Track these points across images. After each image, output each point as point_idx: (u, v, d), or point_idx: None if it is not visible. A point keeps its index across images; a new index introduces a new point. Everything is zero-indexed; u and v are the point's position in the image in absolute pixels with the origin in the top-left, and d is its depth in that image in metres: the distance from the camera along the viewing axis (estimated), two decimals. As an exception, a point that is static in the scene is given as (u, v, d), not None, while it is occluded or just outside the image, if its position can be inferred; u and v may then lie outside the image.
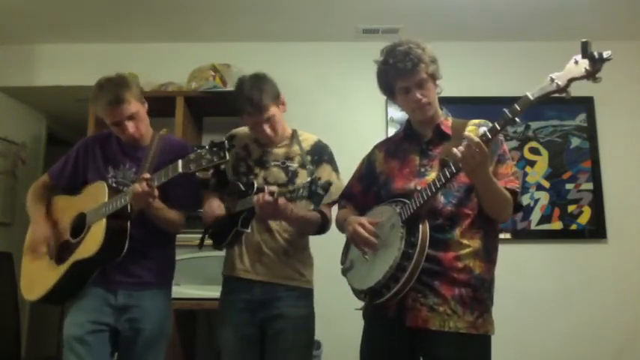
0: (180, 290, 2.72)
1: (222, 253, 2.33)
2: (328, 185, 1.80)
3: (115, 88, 1.88)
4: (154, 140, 2.02)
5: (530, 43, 3.49)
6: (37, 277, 1.95)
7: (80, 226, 1.89)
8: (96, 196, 1.88)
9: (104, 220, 1.80)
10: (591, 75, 1.29)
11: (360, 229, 1.67)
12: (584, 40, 1.29)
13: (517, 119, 1.40)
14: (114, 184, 1.94)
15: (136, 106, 1.92)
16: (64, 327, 1.89)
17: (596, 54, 1.27)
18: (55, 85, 3.59)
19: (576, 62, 1.31)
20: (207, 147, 1.66)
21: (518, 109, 1.38)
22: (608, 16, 3.19)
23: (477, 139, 1.40)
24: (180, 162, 1.69)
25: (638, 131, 3.47)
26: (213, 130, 3.53)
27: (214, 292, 2.67)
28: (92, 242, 1.81)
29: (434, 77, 1.68)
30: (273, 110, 1.95)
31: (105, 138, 2.08)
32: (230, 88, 3.14)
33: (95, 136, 2.16)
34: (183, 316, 2.92)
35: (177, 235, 2.11)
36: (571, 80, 1.31)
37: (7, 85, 3.66)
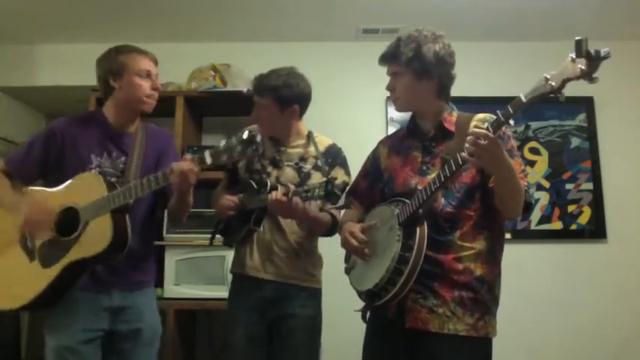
0: (181, 290, 2.73)
1: (223, 252, 2.33)
2: (345, 186, 1.80)
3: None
4: (138, 129, 1.94)
5: (530, 43, 3.49)
6: (15, 283, 1.76)
7: (69, 222, 1.72)
8: (89, 189, 1.73)
9: (109, 215, 1.68)
10: (587, 74, 1.19)
11: (351, 238, 1.67)
12: (578, 37, 1.19)
13: (511, 121, 1.34)
14: (101, 176, 1.79)
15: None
16: (50, 336, 1.76)
17: (593, 52, 1.17)
18: (55, 85, 3.58)
19: (573, 60, 1.21)
20: (236, 139, 1.60)
21: (511, 111, 1.32)
22: (608, 16, 3.19)
23: (482, 131, 1.34)
24: (207, 153, 1.63)
25: (638, 131, 3.47)
26: (213, 130, 3.53)
27: (214, 292, 2.70)
28: (98, 239, 1.67)
29: (418, 74, 1.62)
30: (265, 102, 1.96)
31: (82, 122, 1.91)
32: (230, 88, 3.14)
33: (69, 120, 1.92)
34: (183, 316, 2.92)
35: (177, 236, 2.09)
36: (566, 81, 1.22)
37: (7, 85, 3.66)
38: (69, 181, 1.79)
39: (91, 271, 1.77)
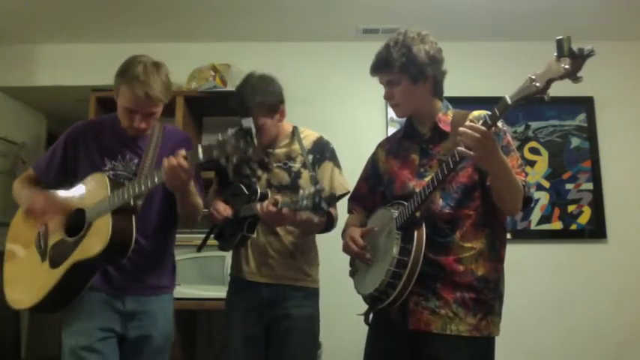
0: (180, 290, 2.71)
1: (222, 253, 2.32)
2: (332, 198, 1.79)
3: (153, 80, 1.70)
4: (154, 130, 1.89)
5: (530, 43, 3.47)
6: (28, 282, 1.77)
7: (77, 223, 1.71)
8: (95, 189, 1.70)
9: (109, 215, 1.63)
10: (572, 74, 1.17)
11: (351, 244, 1.68)
12: (559, 37, 1.17)
13: (498, 124, 1.33)
14: (111, 177, 1.76)
15: (159, 109, 1.79)
16: (66, 336, 1.73)
17: (576, 50, 1.15)
18: (55, 85, 3.59)
19: (557, 60, 1.19)
20: (230, 132, 1.48)
21: (498, 113, 1.32)
22: (608, 16, 3.18)
23: (475, 125, 1.33)
24: (200, 147, 1.52)
25: (638, 131, 3.46)
26: (214, 130, 3.52)
27: (214, 292, 2.70)
28: (96, 240, 1.63)
29: (413, 78, 1.61)
30: (261, 120, 1.91)
31: (97, 126, 1.90)
32: (230, 88, 3.14)
33: (86, 124, 1.94)
34: (183, 316, 2.91)
35: (177, 235, 2.07)
36: (550, 81, 1.20)
37: (7, 85, 3.66)
38: (81, 183, 1.78)
39: (105, 273, 1.73)
